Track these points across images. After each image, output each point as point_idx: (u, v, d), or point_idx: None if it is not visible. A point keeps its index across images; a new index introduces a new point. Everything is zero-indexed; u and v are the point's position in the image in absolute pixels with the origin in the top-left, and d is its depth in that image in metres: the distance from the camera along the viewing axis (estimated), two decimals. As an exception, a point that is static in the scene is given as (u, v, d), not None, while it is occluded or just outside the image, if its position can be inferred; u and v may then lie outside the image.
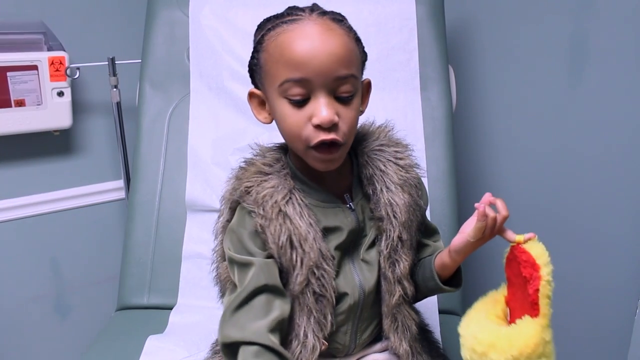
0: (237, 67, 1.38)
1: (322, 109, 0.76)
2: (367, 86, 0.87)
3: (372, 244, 0.90)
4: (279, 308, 0.81)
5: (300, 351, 0.84)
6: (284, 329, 0.84)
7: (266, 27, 0.80)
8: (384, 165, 0.87)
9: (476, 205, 0.84)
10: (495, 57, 1.55)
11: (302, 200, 0.83)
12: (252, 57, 0.83)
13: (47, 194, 1.64)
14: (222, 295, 0.96)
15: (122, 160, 1.61)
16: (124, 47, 1.62)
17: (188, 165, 1.38)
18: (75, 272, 1.72)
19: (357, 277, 0.88)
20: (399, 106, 1.38)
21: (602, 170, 1.30)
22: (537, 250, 0.78)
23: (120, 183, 1.68)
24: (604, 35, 1.26)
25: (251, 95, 0.86)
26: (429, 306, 1.17)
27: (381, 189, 0.86)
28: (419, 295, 0.95)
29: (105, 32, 1.64)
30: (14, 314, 1.64)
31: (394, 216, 0.86)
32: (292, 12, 0.79)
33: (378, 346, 0.96)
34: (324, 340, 0.86)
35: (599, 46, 1.27)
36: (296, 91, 0.77)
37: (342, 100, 0.78)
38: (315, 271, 0.82)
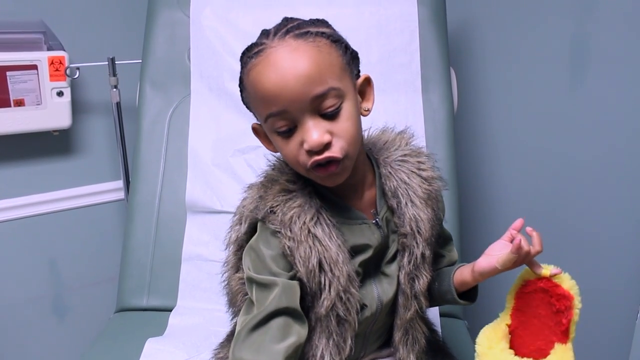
0: (238, 68, 1.37)
1: (309, 133, 0.73)
2: (366, 82, 0.83)
3: (393, 258, 0.88)
4: (297, 334, 0.78)
5: None
6: (298, 356, 0.81)
7: (242, 63, 0.79)
8: (408, 177, 0.85)
9: (512, 232, 0.84)
10: (496, 60, 1.55)
11: (329, 220, 0.80)
12: (242, 97, 0.82)
13: (46, 194, 1.63)
14: (231, 306, 0.94)
15: (122, 161, 1.60)
16: (124, 47, 1.62)
17: (188, 167, 1.38)
18: (74, 273, 1.71)
19: (376, 290, 0.87)
20: (400, 108, 1.37)
21: (603, 173, 1.30)
22: (568, 283, 0.81)
23: (120, 183, 1.67)
24: (605, 38, 1.25)
25: (255, 129, 0.85)
26: (430, 309, 1.16)
27: (406, 203, 0.84)
28: (432, 304, 0.94)
29: (106, 32, 1.64)
30: (11, 315, 1.63)
31: (419, 232, 0.84)
32: (259, 42, 0.76)
33: (385, 351, 0.95)
34: None
35: (600, 49, 1.27)
36: (280, 124, 0.75)
37: (330, 116, 0.75)
38: (343, 295, 0.80)
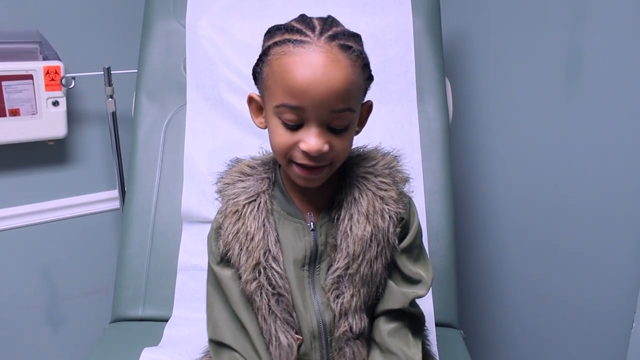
0: (234, 78, 1.38)
1: (311, 138, 0.76)
2: (368, 108, 0.86)
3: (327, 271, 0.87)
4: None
5: (280, 354, 0.85)
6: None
7: (274, 37, 0.77)
8: (359, 194, 0.84)
9: None
10: (491, 70, 1.56)
11: (265, 205, 0.86)
12: (257, 64, 0.81)
13: (41, 203, 1.63)
14: None
15: (117, 171, 1.60)
16: (120, 57, 1.62)
17: (184, 177, 1.38)
18: (69, 283, 1.71)
19: (316, 304, 0.86)
20: (395, 118, 1.38)
21: (600, 182, 1.30)
22: None
23: (115, 193, 1.67)
24: (598, 48, 1.26)
25: (251, 99, 0.86)
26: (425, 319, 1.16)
27: (344, 217, 0.84)
28: None
29: (101, 41, 1.64)
30: (5, 325, 1.63)
31: (346, 246, 0.83)
32: (301, 30, 0.75)
33: None
34: (297, 336, 0.86)
35: (594, 58, 1.28)
36: (290, 117, 0.76)
37: (336, 131, 0.77)
38: (262, 270, 0.84)
